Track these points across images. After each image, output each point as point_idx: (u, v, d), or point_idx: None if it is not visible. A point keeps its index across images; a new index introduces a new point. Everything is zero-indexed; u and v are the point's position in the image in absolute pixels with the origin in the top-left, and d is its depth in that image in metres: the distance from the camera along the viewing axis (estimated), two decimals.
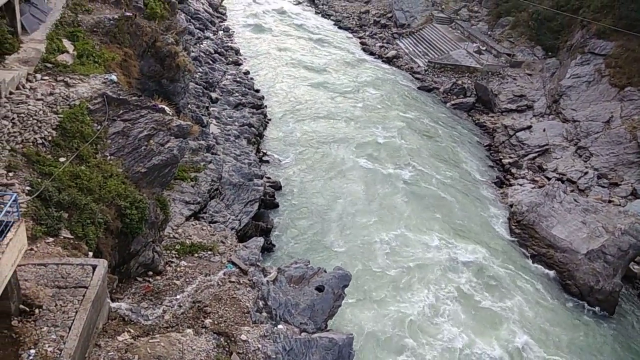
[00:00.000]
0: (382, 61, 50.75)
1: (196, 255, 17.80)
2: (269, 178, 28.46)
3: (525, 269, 25.60)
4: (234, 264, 16.88)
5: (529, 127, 37.58)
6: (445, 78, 46.24)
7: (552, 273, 25.61)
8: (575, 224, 26.68)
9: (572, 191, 30.25)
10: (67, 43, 17.69)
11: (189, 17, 43.70)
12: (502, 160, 35.50)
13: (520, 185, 32.17)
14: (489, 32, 51.45)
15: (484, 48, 48.20)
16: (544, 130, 36.84)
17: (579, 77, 39.00)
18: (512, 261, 25.88)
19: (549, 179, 32.27)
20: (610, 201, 29.68)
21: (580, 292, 24.40)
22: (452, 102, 43.14)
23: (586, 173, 32.24)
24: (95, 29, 19.23)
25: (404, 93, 43.95)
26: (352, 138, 34.84)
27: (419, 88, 45.39)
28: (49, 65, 16.18)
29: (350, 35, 56.97)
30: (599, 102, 36.90)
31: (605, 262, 24.40)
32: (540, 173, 33.46)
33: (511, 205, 29.88)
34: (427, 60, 49.09)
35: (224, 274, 16.01)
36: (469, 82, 44.91)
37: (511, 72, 44.61)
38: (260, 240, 20.21)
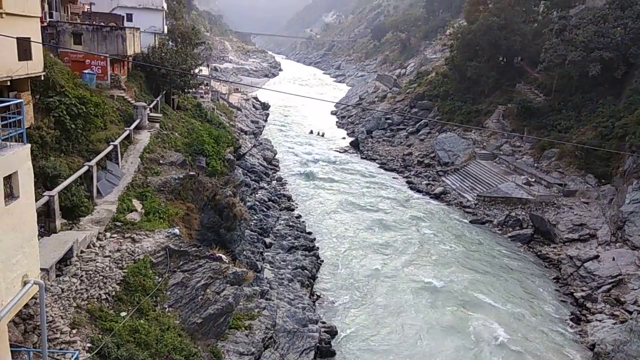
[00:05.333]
0: (430, 197, 51.43)
1: None
2: (323, 323, 27.45)
3: None
4: None
5: (597, 257, 35.36)
6: (497, 210, 45.76)
7: None
8: None
9: None
10: (136, 202, 19.35)
11: (246, 171, 47.25)
12: (574, 294, 32.87)
13: (599, 321, 29.21)
14: (535, 165, 51.81)
15: (532, 179, 48.16)
16: (614, 259, 34.51)
17: None
18: None
19: (630, 312, 29.22)
20: None
21: None
22: (509, 235, 41.98)
23: None
24: (162, 188, 21.08)
25: (456, 227, 43.48)
26: (409, 276, 33.86)
27: (471, 222, 44.90)
28: (119, 223, 17.56)
29: (396, 175, 59.00)
30: None
31: None
32: (619, 306, 30.47)
33: (593, 346, 26.83)
34: (475, 195, 49.27)
35: None
36: (523, 213, 44.11)
37: (566, 201, 43.71)
38: None
